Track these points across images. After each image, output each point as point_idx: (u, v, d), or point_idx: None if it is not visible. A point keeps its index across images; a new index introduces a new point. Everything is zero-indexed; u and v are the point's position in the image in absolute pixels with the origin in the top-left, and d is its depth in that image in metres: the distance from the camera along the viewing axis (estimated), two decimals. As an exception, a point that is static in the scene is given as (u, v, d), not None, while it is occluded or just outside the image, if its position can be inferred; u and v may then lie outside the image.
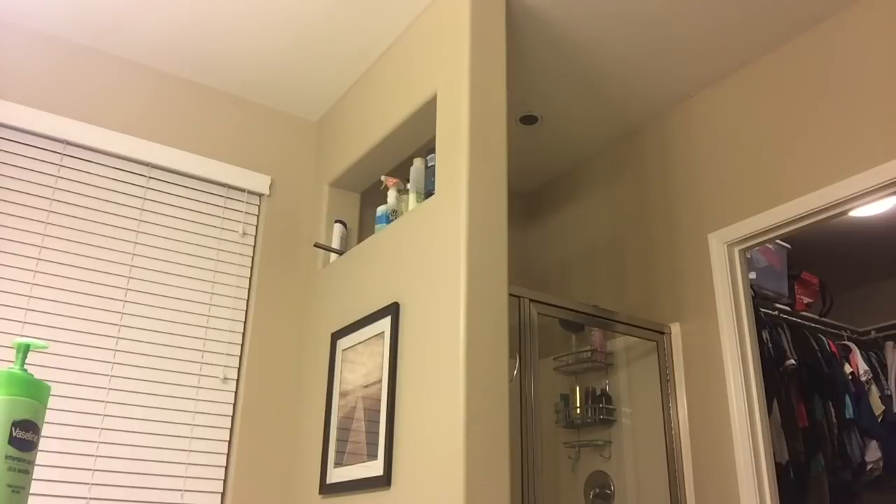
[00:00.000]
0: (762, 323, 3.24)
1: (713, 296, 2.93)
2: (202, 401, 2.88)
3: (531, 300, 2.67)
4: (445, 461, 2.02)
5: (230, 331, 3.03)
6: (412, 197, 2.65)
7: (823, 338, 3.71)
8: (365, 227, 3.27)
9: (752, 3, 2.74)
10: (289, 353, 3.12)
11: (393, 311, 2.46)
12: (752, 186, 2.92)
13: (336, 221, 3.16)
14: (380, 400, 2.40)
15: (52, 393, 2.30)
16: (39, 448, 1.06)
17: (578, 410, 3.23)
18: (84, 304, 2.75)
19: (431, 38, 2.72)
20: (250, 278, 3.15)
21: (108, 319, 2.78)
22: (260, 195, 3.27)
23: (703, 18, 2.82)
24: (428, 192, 2.57)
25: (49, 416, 2.56)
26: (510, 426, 2.11)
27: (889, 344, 4.15)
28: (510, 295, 2.31)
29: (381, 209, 2.80)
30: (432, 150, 2.57)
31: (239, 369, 3.00)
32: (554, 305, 2.87)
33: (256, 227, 3.23)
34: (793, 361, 3.36)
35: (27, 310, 2.65)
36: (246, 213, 3.22)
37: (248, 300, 3.11)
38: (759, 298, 3.33)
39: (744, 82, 3.08)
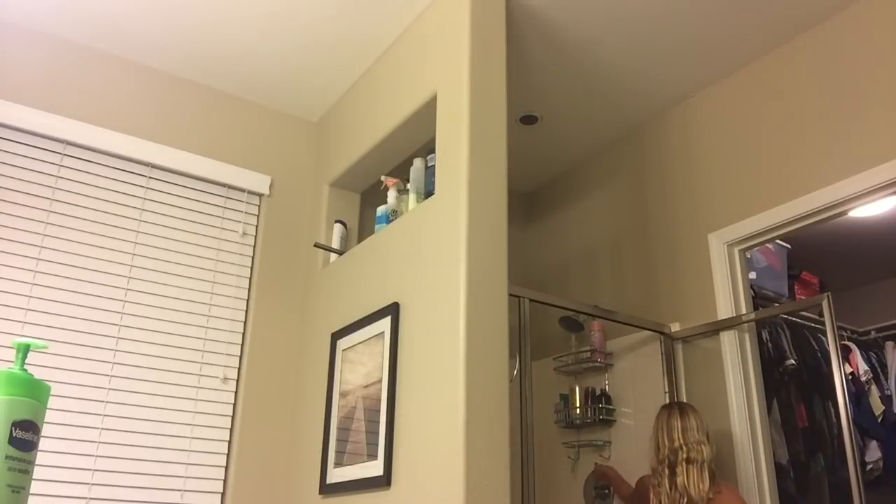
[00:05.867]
0: (762, 323, 3.24)
1: (713, 296, 2.93)
2: (202, 401, 2.88)
3: (531, 300, 2.67)
4: (445, 461, 2.02)
5: (230, 331, 3.03)
6: (412, 197, 2.65)
7: (823, 338, 3.70)
8: (365, 227, 3.27)
9: (751, 3, 2.74)
10: (289, 354, 3.12)
11: (393, 311, 2.45)
12: (752, 186, 2.92)
13: (336, 221, 3.16)
14: (380, 400, 2.40)
15: (52, 393, 2.30)
16: (39, 448, 1.06)
17: (578, 410, 3.23)
18: (84, 304, 2.75)
19: (431, 38, 2.72)
20: (250, 278, 3.14)
21: (108, 319, 2.78)
22: (260, 195, 3.27)
23: (702, 19, 2.82)
24: (428, 192, 2.57)
25: (49, 416, 2.55)
26: (510, 426, 2.11)
27: (889, 344, 4.15)
28: (510, 295, 2.30)
29: (381, 209, 2.80)
30: (432, 150, 2.57)
31: (239, 369, 3.00)
32: (554, 305, 2.87)
33: (256, 227, 3.23)
34: (793, 361, 3.36)
35: (27, 310, 2.65)
36: (246, 213, 3.22)
37: (248, 300, 3.11)
38: (759, 298, 3.33)
39: (744, 82, 3.08)
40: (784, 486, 2.95)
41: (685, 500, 2.36)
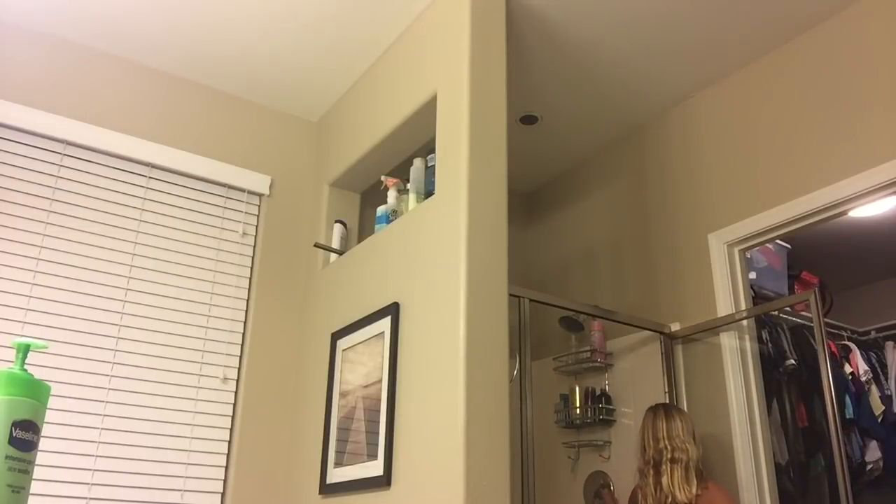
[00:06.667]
0: (762, 323, 3.24)
1: (713, 296, 2.93)
2: (202, 401, 2.88)
3: (531, 300, 2.67)
4: (445, 461, 2.02)
5: (230, 331, 3.03)
6: (412, 197, 2.65)
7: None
8: (365, 227, 3.27)
9: (751, 3, 2.74)
10: (289, 354, 3.12)
11: (393, 311, 2.46)
12: (752, 186, 2.92)
13: (336, 221, 3.16)
14: (380, 400, 2.40)
15: (52, 393, 2.30)
16: (39, 448, 1.06)
17: (578, 410, 3.23)
18: (84, 304, 2.75)
19: (431, 38, 2.72)
20: (250, 278, 3.14)
21: (108, 319, 2.78)
22: (260, 195, 3.27)
23: (702, 19, 2.82)
24: (428, 192, 2.57)
25: (49, 416, 2.55)
26: (510, 426, 2.11)
27: (889, 344, 4.15)
28: (510, 295, 2.30)
29: (381, 209, 2.80)
30: (432, 150, 2.57)
31: (239, 369, 3.00)
32: (554, 305, 2.87)
33: (256, 227, 3.23)
34: (793, 361, 3.36)
35: (27, 310, 2.65)
36: (246, 213, 3.22)
37: (248, 300, 3.11)
38: (759, 298, 3.33)
39: (744, 82, 3.08)
40: (784, 486, 2.95)
41: (670, 501, 2.37)
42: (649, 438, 2.52)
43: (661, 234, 3.25)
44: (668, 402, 2.89)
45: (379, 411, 2.39)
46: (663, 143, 3.39)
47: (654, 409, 2.60)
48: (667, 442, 2.46)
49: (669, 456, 2.43)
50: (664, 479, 2.40)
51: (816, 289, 2.66)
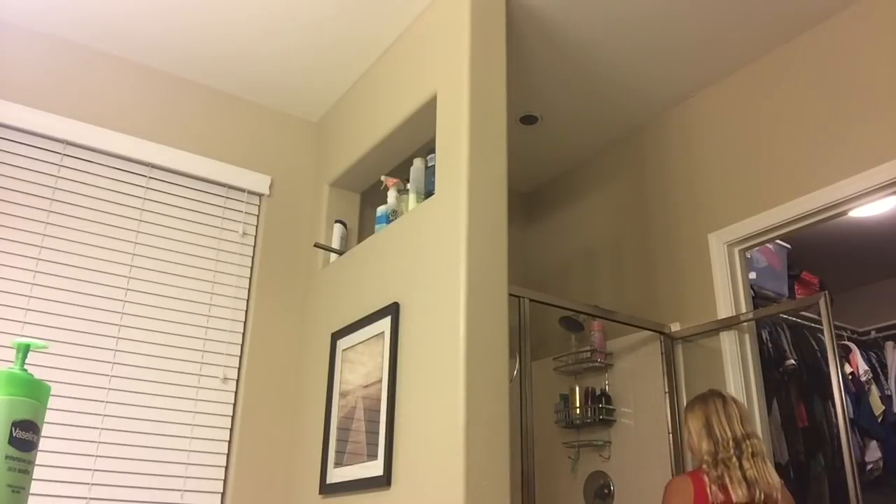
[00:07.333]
0: (762, 323, 3.24)
1: (713, 296, 2.93)
2: (202, 401, 2.88)
3: (531, 300, 2.67)
4: (445, 461, 2.02)
5: (230, 331, 3.03)
6: (412, 197, 2.65)
7: (823, 337, 3.70)
8: (365, 227, 3.27)
9: (751, 3, 2.74)
10: (289, 354, 3.12)
11: (393, 311, 2.45)
12: (752, 186, 2.92)
13: (336, 221, 3.16)
14: (380, 400, 2.40)
15: (52, 393, 2.30)
16: (39, 448, 1.06)
17: (578, 410, 3.23)
18: (84, 304, 2.75)
19: (431, 38, 2.72)
20: (250, 278, 3.14)
21: (108, 319, 2.78)
22: (260, 195, 3.27)
23: (702, 19, 2.82)
24: (428, 192, 2.57)
25: (49, 416, 2.55)
26: (510, 426, 2.11)
27: (889, 344, 4.15)
28: (510, 295, 2.30)
29: (381, 209, 2.80)
30: (432, 150, 2.57)
31: (239, 369, 3.00)
32: (554, 305, 2.87)
33: (256, 227, 3.23)
34: (793, 361, 3.36)
35: (27, 310, 2.65)
36: (246, 213, 3.22)
37: (248, 300, 3.11)
38: (759, 298, 3.32)
39: (744, 82, 3.08)
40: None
41: (758, 491, 2.25)
42: (724, 427, 2.33)
43: (661, 234, 3.25)
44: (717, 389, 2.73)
45: (379, 411, 2.39)
46: (663, 143, 3.38)
47: (719, 396, 2.42)
48: (744, 432, 2.32)
49: (751, 451, 2.30)
50: (749, 473, 2.27)
51: (826, 293, 2.65)
